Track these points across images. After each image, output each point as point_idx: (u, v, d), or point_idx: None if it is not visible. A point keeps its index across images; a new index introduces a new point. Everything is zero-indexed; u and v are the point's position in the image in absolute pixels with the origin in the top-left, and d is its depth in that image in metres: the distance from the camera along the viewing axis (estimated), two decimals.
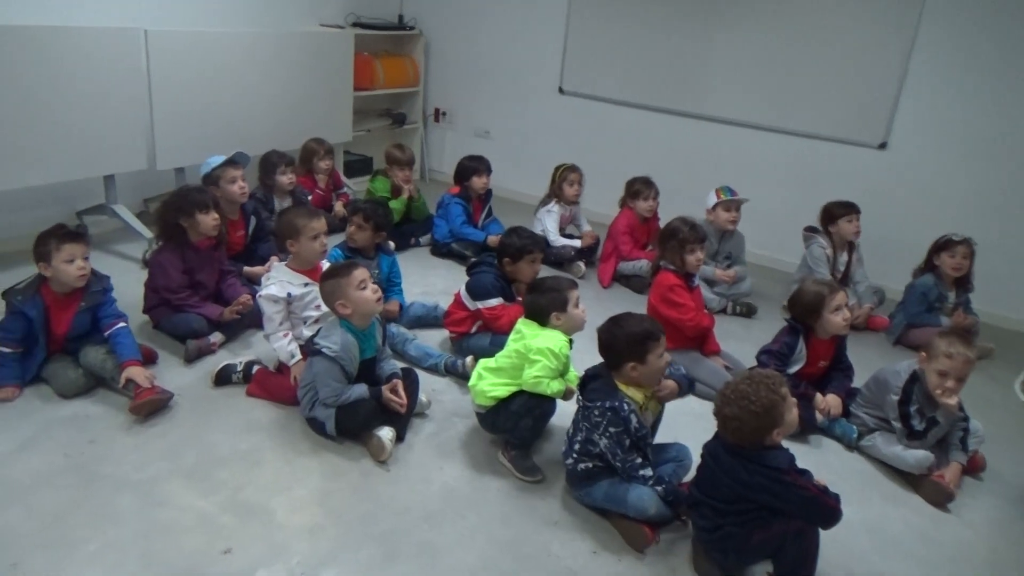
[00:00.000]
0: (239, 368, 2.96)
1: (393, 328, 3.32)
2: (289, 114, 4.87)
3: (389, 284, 3.56)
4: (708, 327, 3.34)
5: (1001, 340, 4.12)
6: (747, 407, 2.01)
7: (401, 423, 2.71)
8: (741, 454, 2.07)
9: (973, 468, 2.86)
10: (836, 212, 4.16)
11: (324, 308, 2.98)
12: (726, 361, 3.37)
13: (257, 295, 3.06)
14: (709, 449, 2.20)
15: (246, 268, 3.66)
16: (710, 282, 4.12)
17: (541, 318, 2.61)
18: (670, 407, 2.94)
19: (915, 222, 4.46)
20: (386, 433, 2.62)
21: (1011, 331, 4.36)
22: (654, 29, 5.08)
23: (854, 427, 2.98)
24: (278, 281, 2.97)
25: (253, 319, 3.26)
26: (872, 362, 3.57)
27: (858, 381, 3.18)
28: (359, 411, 2.62)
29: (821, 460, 2.85)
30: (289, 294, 2.96)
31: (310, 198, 4.55)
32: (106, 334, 2.79)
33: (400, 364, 2.96)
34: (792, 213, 4.63)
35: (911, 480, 2.77)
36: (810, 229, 4.27)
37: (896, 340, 3.99)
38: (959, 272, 3.86)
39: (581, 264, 4.52)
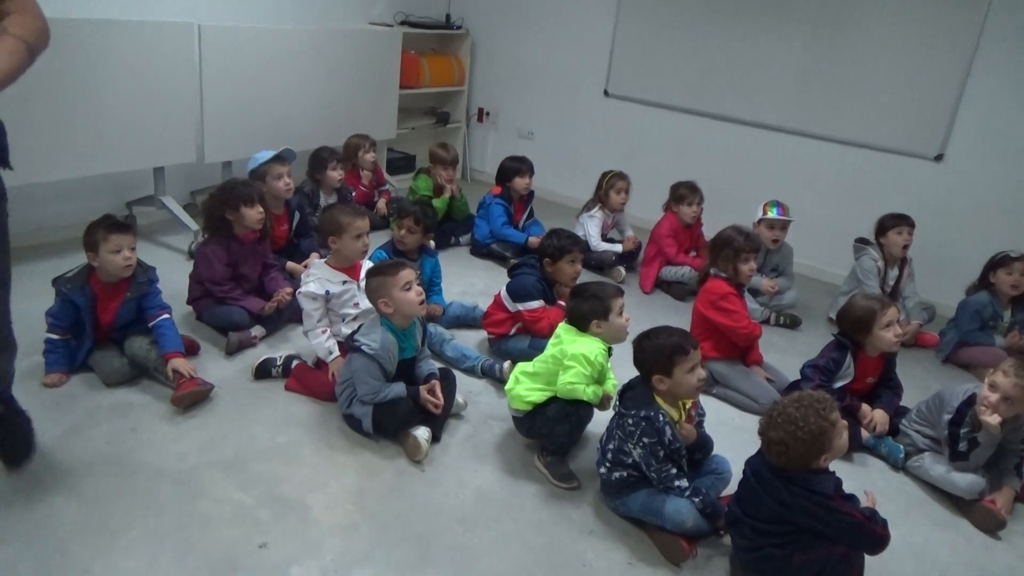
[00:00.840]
0: (279, 362, 2.98)
1: (432, 328, 3.31)
2: (336, 111, 4.91)
3: (430, 285, 3.56)
4: (758, 336, 3.27)
5: None
6: (794, 432, 1.94)
7: (437, 424, 2.71)
8: (785, 475, 2.01)
9: None
10: (887, 224, 4.04)
11: (363, 306, 3.00)
12: (768, 373, 3.30)
13: (296, 292, 3.08)
14: (752, 466, 2.13)
15: (289, 263, 3.69)
16: (753, 291, 4.04)
17: (582, 324, 2.58)
18: (710, 414, 2.90)
19: (970, 237, 4.32)
20: (422, 433, 2.62)
21: None
22: (703, 33, 5.00)
23: (901, 447, 2.89)
24: (317, 279, 2.99)
25: (293, 313, 3.28)
26: (920, 380, 3.47)
27: (906, 400, 3.09)
28: (396, 410, 2.61)
29: (866, 480, 2.76)
30: (328, 291, 2.97)
31: (353, 195, 4.57)
32: (150, 325, 2.84)
33: (438, 365, 2.95)
34: (841, 224, 4.52)
35: (960, 505, 2.67)
36: (861, 241, 4.15)
37: (946, 358, 3.86)
38: (1017, 290, 3.72)
39: (622, 269, 4.47)
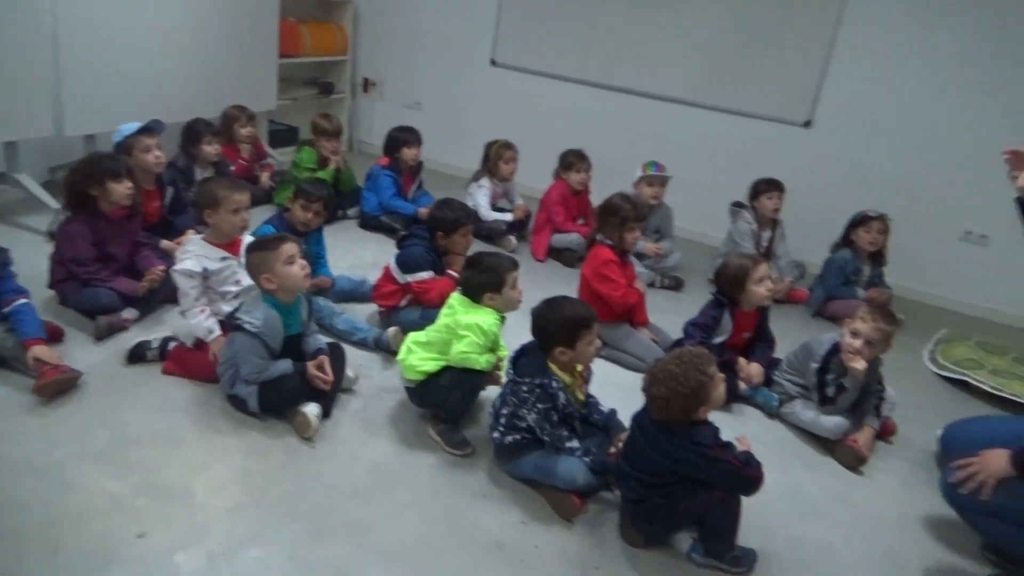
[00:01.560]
0: (154, 345, 2.83)
1: (321, 302, 3.23)
2: (210, 80, 4.65)
3: (316, 258, 3.47)
4: (635, 303, 3.37)
5: (911, 311, 4.31)
6: (675, 388, 2.03)
7: (327, 399, 2.65)
8: (668, 429, 2.10)
9: (885, 433, 3.00)
10: (760, 188, 4.27)
11: (245, 283, 2.88)
12: (653, 334, 3.42)
13: (171, 270, 2.92)
14: (637, 422, 2.22)
15: (163, 241, 3.49)
16: (639, 255, 4.16)
17: (475, 296, 2.58)
18: (599, 375, 2.98)
19: (836, 198, 4.61)
20: (312, 409, 2.56)
21: (922, 303, 4.57)
22: (587, 4, 5.05)
23: (775, 395, 3.07)
24: (193, 255, 2.84)
25: (169, 294, 3.10)
26: (793, 333, 3.69)
27: (780, 351, 3.28)
28: (283, 387, 2.53)
29: (744, 427, 2.92)
30: (205, 268, 2.83)
31: (232, 169, 4.37)
32: (5, 311, 2.61)
33: (327, 339, 2.88)
34: (720, 189, 4.72)
35: (827, 445, 2.88)
36: (737, 204, 4.35)
37: (815, 312, 4.13)
38: (874, 247, 4.01)
39: (512, 238, 4.50)
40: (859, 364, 2.75)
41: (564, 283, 3.95)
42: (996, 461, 2.08)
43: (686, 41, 4.85)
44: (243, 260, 2.73)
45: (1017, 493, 2.05)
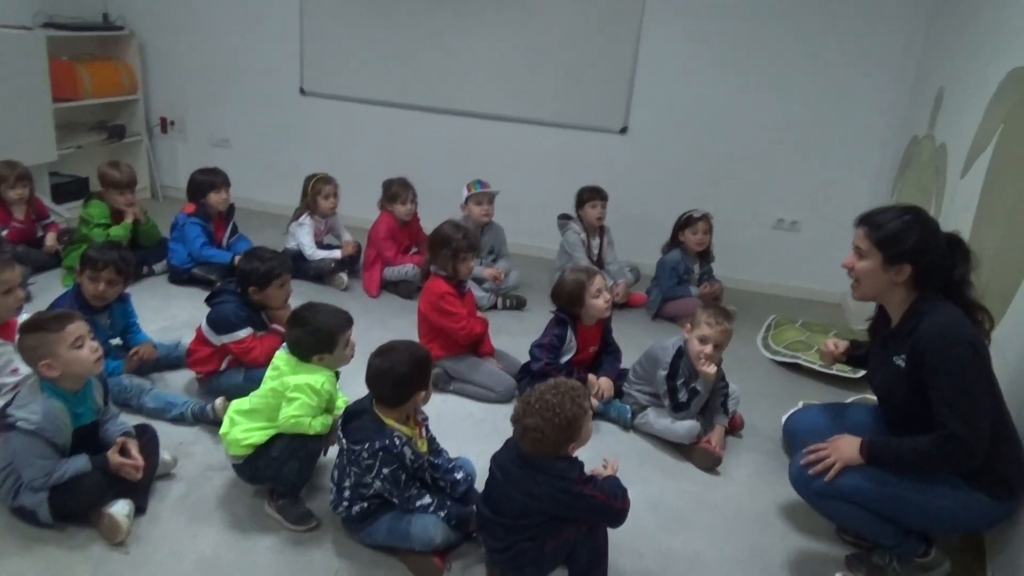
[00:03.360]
0: None
1: (125, 380, 2.84)
2: None
3: (127, 329, 3.06)
4: (481, 333, 3.25)
5: (741, 301, 4.49)
6: (551, 419, 1.92)
7: (139, 492, 2.29)
8: (531, 465, 1.98)
9: (734, 428, 3.05)
10: (584, 197, 4.31)
11: (24, 371, 2.45)
12: (500, 361, 3.31)
13: None
14: (498, 462, 2.09)
15: None
16: (477, 279, 4.05)
17: (303, 356, 2.33)
18: (449, 412, 2.81)
19: (659, 199, 4.74)
20: (120, 508, 2.19)
21: (750, 292, 4.79)
22: (392, 25, 4.90)
23: (628, 407, 3.04)
24: None
25: None
26: (636, 338, 3.71)
27: (626, 357, 3.27)
28: (80, 488, 2.16)
29: (601, 444, 2.86)
30: None
31: (5, 233, 3.80)
32: None
33: (136, 421, 2.51)
34: (549, 201, 4.70)
35: (683, 450, 2.88)
36: (564, 216, 4.36)
37: (655, 314, 4.20)
38: (702, 247, 4.16)
39: (343, 276, 4.24)
40: (711, 369, 2.78)
41: (404, 315, 3.76)
42: (847, 448, 2.12)
43: (497, 58, 4.82)
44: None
45: (860, 478, 2.10)
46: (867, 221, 2.13)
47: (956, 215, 3.07)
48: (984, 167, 2.89)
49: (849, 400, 3.24)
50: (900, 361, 2.10)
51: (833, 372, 3.53)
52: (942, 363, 1.98)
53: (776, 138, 4.64)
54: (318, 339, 2.32)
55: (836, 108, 4.51)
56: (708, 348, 2.79)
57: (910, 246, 2.04)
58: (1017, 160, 2.62)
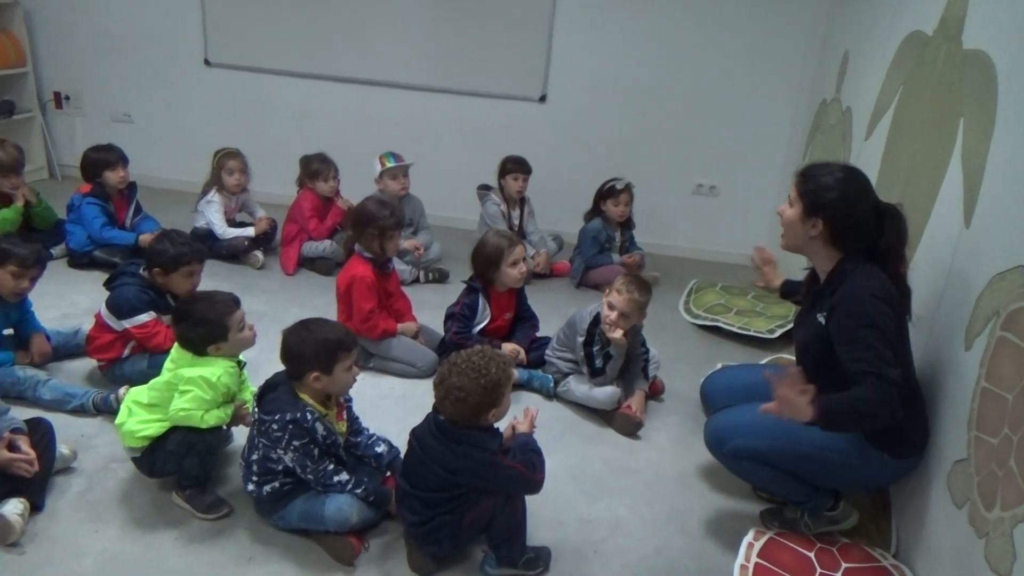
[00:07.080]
0: None
1: (18, 371, 2.67)
2: None
3: (22, 320, 2.86)
4: (390, 332, 3.12)
5: (664, 267, 4.55)
6: (476, 379, 1.91)
7: (34, 489, 2.16)
8: (450, 436, 1.95)
9: (654, 392, 3.09)
10: (507, 167, 4.27)
11: None
12: (422, 335, 3.25)
13: None
14: (417, 435, 2.06)
15: None
16: (400, 253, 3.96)
17: (196, 350, 2.23)
18: (370, 389, 2.74)
19: (579, 167, 4.73)
20: (12, 508, 2.06)
21: (671, 257, 4.85)
22: None
23: (550, 376, 3.04)
24: None
25: None
26: (561, 307, 3.71)
27: (551, 326, 3.26)
28: None
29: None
30: None
31: None
32: None
33: (28, 415, 2.36)
34: (468, 172, 4.64)
35: (605, 416, 2.90)
36: (483, 187, 4.31)
37: (579, 283, 4.21)
38: (623, 217, 4.18)
39: (259, 254, 4.09)
40: (617, 334, 2.79)
41: (323, 293, 3.65)
42: (799, 405, 1.95)
43: (410, 26, 4.69)
44: None
45: (770, 439, 2.14)
46: (802, 172, 2.15)
47: None
48: (886, 130, 2.97)
49: (764, 360, 3.33)
50: (821, 318, 2.12)
51: (751, 333, 3.62)
52: (856, 310, 1.97)
53: (693, 104, 4.68)
54: (207, 330, 2.23)
55: (749, 74, 4.57)
56: (614, 315, 2.79)
57: (826, 201, 2.05)
58: (914, 122, 2.70)
